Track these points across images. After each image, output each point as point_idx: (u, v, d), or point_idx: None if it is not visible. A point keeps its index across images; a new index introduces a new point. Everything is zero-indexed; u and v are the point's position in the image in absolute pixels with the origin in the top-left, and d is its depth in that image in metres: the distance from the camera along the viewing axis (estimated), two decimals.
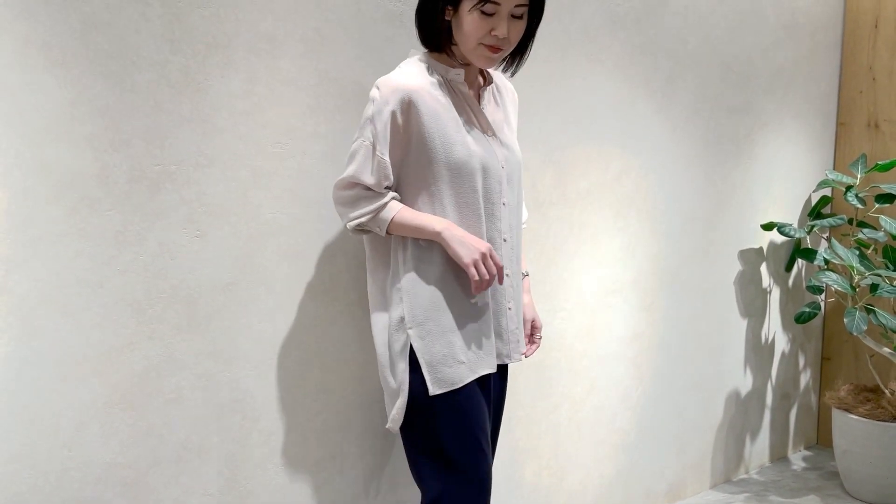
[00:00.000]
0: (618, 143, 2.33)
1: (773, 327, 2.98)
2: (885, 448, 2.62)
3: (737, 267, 2.79)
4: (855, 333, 2.50)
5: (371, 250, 1.65)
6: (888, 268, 2.71)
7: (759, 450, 3.00)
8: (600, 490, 2.45)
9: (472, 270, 1.53)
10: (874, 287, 2.55)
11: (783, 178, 2.91)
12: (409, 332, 1.57)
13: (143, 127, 1.50)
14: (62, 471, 1.47)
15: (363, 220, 1.56)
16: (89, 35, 1.43)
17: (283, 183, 1.69)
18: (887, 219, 2.65)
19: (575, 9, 2.16)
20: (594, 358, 2.37)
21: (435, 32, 1.58)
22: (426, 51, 1.63)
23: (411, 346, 1.57)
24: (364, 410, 1.87)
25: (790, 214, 2.95)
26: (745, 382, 2.89)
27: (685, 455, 2.71)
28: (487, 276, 1.54)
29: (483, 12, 1.49)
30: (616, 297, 2.40)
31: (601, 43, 2.24)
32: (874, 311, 2.56)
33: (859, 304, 2.62)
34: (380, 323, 1.63)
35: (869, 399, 2.75)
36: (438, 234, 1.54)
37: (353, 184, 1.56)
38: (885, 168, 2.70)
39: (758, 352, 2.93)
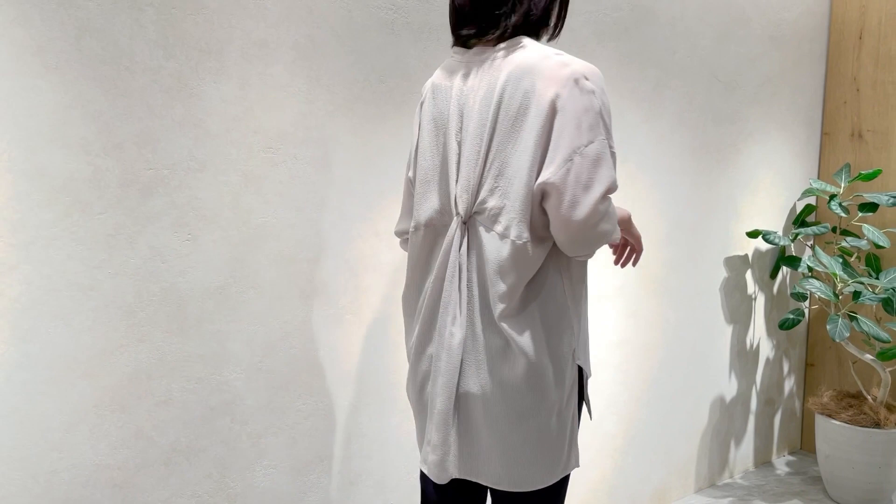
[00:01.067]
0: None
1: (758, 333, 3.01)
2: (867, 453, 2.66)
3: (722, 274, 2.82)
4: (837, 340, 2.54)
5: (526, 265, 1.31)
6: (871, 276, 2.75)
7: (743, 454, 3.03)
8: (587, 493, 2.47)
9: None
10: (856, 294, 2.59)
11: (768, 187, 2.94)
12: (579, 363, 1.39)
13: (135, 131, 1.52)
14: (51, 472, 1.48)
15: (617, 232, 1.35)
16: (83, 41, 1.44)
17: (273, 188, 1.70)
18: (870, 227, 2.69)
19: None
20: None
21: (566, 9, 1.44)
22: (537, 36, 1.40)
23: (580, 383, 1.40)
24: (351, 414, 1.89)
25: (775, 222, 2.99)
26: (730, 388, 2.92)
27: (670, 459, 2.74)
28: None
29: None
30: (604, 303, 2.43)
31: (590, 53, 2.27)
32: (857, 319, 2.60)
33: (842, 311, 2.66)
34: (543, 352, 1.33)
35: (851, 405, 2.79)
36: (629, 217, 1.54)
37: (612, 194, 1.30)
38: (868, 177, 2.75)
39: (743, 358, 2.96)
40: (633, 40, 2.38)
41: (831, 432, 2.73)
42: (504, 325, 1.31)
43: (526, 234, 1.29)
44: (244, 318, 1.70)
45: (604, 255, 2.40)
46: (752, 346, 2.99)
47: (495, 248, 1.31)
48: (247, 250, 1.68)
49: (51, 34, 1.40)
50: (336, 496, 1.88)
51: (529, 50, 1.31)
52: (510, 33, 1.34)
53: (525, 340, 1.31)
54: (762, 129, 2.87)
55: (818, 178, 3.13)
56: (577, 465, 1.42)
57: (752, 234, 2.82)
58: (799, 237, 2.85)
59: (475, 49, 1.38)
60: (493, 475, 1.36)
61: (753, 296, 2.96)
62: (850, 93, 3.01)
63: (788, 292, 3.08)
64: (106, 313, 1.52)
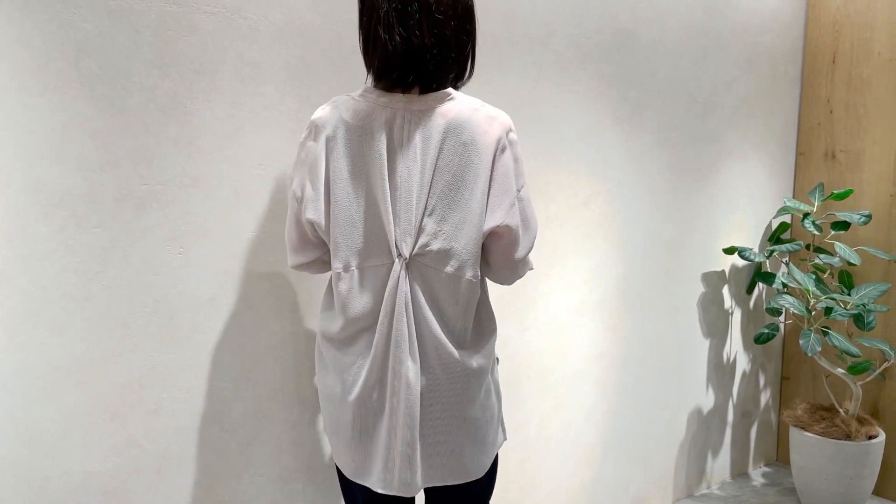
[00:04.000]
0: (587, 169, 2.43)
1: (735, 347, 3.09)
2: (839, 465, 2.73)
3: (700, 289, 2.90)
4: (809, 354, 2.62)
5: (476, 296, 1.48)
6: (843, 292, 2.84)
7: (720, 466, 3.10)
8: (565, 503, 2.53)
9: None
10: (828, 310, 2.68)
11: (745, 205, 3.02)
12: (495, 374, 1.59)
13: (131, 148, 1.57)
14: (44, 478, 1.52)
15: None
16: (82, 61, 1.49)
17: (263, 203, 1.76)
18: (842, 245, 2.78)
19: (547, 41, 2.26)
20: (562, 375, 2.46)
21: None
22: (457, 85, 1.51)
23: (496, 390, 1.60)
24: None
25: (751, 239, 3.07)
26: (707, 400, 2.99)
27: (649, 470, 2.80)
28: None
29: None
30: (583, 317, 2.49)
31: (572, 74, 2.34)
32: (829, 334, 2.68)
33: (814, 326, 2.74)
34: (488, 362, 1.52)
35: (824, 417, 2.86)
36: None
37: None
38: (841, 197, 2.84)
39: (719, 371, 3.03)
40: (614, 63, 2.46)
41: (804, 444, 2.81)
42: (460, 351, 1.46)
43: (478, 273, 1.45)
44: (234, 330, 1.74)
45: (582, 270, 2.47)
46: (728, 359, 3.06)
47: (447, 285, 1.43)
48: (237, 263, 1.73)
49: (50, 54, 1.46)
50: (322, 503, 1.93)
51: (459, 102, 1.43)
52: (434, 85, 1.41)
53: (478, 359, 1.49)
54: (739, 149, 2.95)
55: (793, 196, 3.22)
56: (506, 439, 1.67)
57: (729, 251, 2.90)
58: (774, 254, 2.93)
59: (399, 96, 1.41)
60: (464, 472, 1.52)
61: (730, 310, 3.04)
62: (823, 114, 3.11)
63: (764, 307, 3.16)
64: (100, 324, 1.56)
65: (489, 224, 1.42)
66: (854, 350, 2.62)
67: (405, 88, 1.42)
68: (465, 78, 1.49)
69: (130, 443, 1.62)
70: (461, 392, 1.47)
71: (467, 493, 1.59)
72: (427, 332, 1.43)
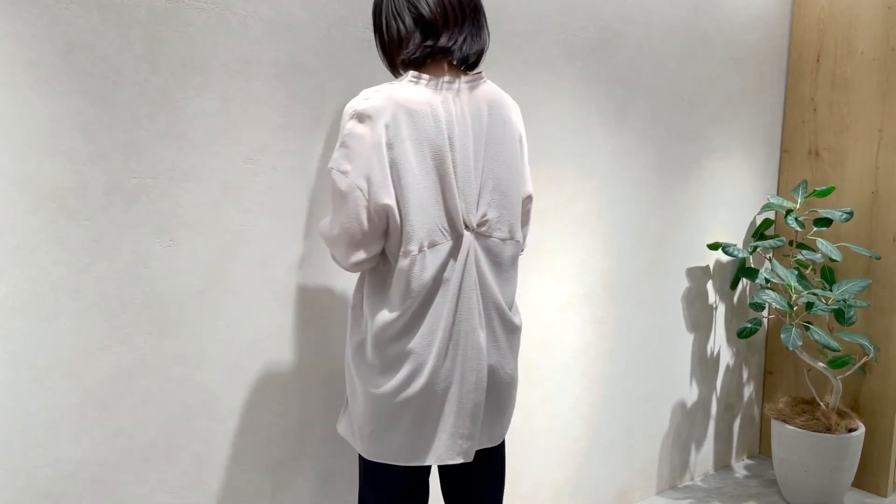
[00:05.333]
0: (573, 166, 2.46)
1: (719, 341, 3.13)
2: (819, 457, 2.78)
3: (684, 284, 2.94)
4: (790, 349, 2.66)
5: (517, 254, 1.63)
6: (824, 288, 2.88)
7: (703, 458, 3.15)
8: (551, 495, 2.57)
9: None
10: (810, 305, 2.72)
11: (729, 202, 3.06)
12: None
13: (121, 142, 1.59)
14: (34, 467, 1.54)
15: None
16: (73, 55, 1.51)
17: (253, 197, 1.78)
18: (824, 241, 2.82)
19: (534, 38, 2.29)
20: (548, 368, 2.49)
21: None
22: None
23: None
24: (325, 414, 1.96)
25: (735, 235, 3.11)
26: (691, 394, 3.04)
27: (633, 462, 2.84)
28: None
29: None
30: (569, 310, 2.53)
31: (558, 71, 2.37)
32: (810, 328, 2.73)
33: (796, 321, 2.78)
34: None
35: (805, 411, 2.91)
36: None
37: None
38: (823, 194, 2.88)
39: (703, 364, 3.07)
40: (599, 60, 2.48)
41: (786, 437, 2.86)
42: (510, 314, 1.60)
43: (521, 235, 1.63)
44: (223, 321, 1.77)
45: (568, 265, 2.51)
46: (712, 353, 3.11)
47: (500, 251, 1.56)
48: (226, 256, 1.76)
49: (41, 49, 1.47)
50: (309, 493, 1.95)
51: (490, 84, 1.58)
52: (475, 64, 1.55)
53: (517, 319, 1.64)
54: (724, 146, 2.99)
55: (777, 193, 3.27)
56: None
57: (713, 247, 2.94)
58: (757, 250, 2.97)
59: (444, 78, 1.49)
60: (502, 433, 1.67)
61: (714, 305, 3.08)
62: (807, 112, 3.16)
63: (747, 302, 3.20)
64: (89, 315, 1.58)
65: (525, 191, 1.64)
66: (834, 345, 2.67)
67: (450, 66, 1.52)
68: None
69: (119, 432, 1.65)
70: (512, 354, 1.62)
71: (497, 455, 1.72)
72: (491, 299, 1.56)
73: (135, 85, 1.59)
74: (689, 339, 2.99)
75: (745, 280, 3.17)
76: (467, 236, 1.49)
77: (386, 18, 1.52)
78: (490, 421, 1.61)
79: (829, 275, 2.95)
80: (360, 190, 1.43)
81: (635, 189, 2.68)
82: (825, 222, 2.87)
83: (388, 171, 1.43)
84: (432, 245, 1.47)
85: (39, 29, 1.47)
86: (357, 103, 1.45)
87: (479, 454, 1.66)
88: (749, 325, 2.94)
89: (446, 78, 1.49)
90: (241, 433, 1.82)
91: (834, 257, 2.78)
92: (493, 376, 1.58)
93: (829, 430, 2.79)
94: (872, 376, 2.98)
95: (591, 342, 2.62)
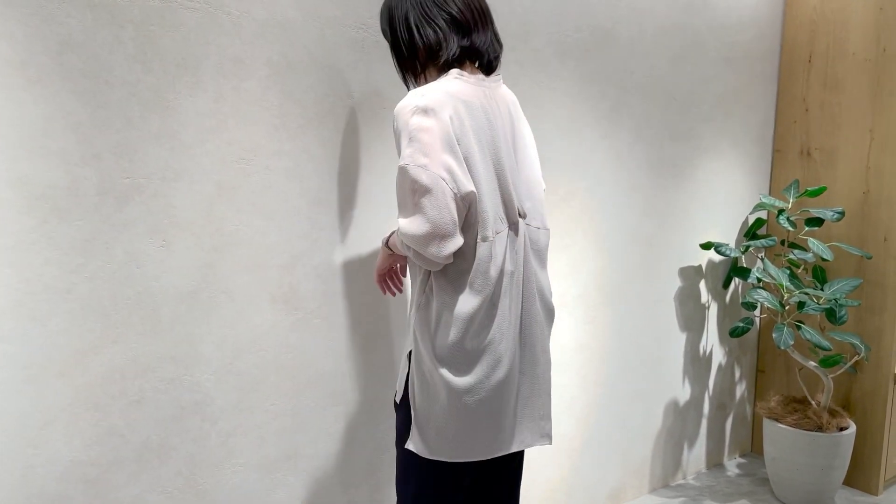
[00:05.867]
0: (566, 166, 2.47)
1: (711, 340, 3.15)
2: (811, 455, 2.80)
3: (677, 283, 2.95)
4: (782, 348, 2.67)
5: (548, 241, 1.71)
6: (816, 287, 2.90)
7: (696, 457, 3.16)
8: (545, 493, 2.57)
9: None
10: (801, 305, 2.74)
11: (721, 201, 3.08)
12: None
13: (113, 142, 1.58)
14: (26, 467, 1.54)
15: None
16: (65, 55, 1.51)
17: (246, 197, 1.78)
18: (815, 241, 2.84)
19: (527, 39, 2.30)
20: None
21: None
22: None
23: None
24: (318, 414, 1.96)
25: (727, 235, 3.13)
26: (683, 392, 3.05)
27: (626, 461, 2.85)
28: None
29: None
30: (562, 310, 2.53)
31: (551, 72, 2.38)
32: (801, 328, 2.74)
33: (787, 320, 2.80)
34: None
35: (797, 409, 2.93)
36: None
37: None
38: (814, 194, 2.90)
39: (696, 364, 3.09)
40: (593, 60, 2.49)
41: (777, 435, 2.87)
42: (548, 299, 1.68)
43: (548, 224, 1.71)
44: (215, 322, 1.77)
45: (561, 265, 2.52)
46: (705, 352, 3.12)
47: (538, 238, 1.64)
48: (219, 256, 1.76)
49: (33, 49, 1.47)
50: (302, 493, 1.96)
51: (505, 86, 1.68)
52: (488, 64, 1.62)
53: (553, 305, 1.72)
54: (716, 146, 3.00)
55: (769, 193, 3.28)
56: None
57: (706, 246, 2.96)
58: (749, 249, 2.99)
59: (479, 76, 1.58)
60: (550, 423, 1.71)
61: (706, 305, 3.10)
62: (799, 113, 3.17)
63: (739, 302, 3.21)
64: (82, 315, 1.58)
65: (542, 185, 1.71)
66: (826, 344, 2.68)
67: (482, 64, 1.60)
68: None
69: (112, 432, 1.64)
70: (548, 338, 1.70)
71: (518, 455, 1.75)
72: (538, 284, 1.64)
73: (127, 85, 1.59)
74: (681, 338, 3.01)
75: (737, 279, 3.19)
76: (522, 224, 1.57)
77: (415, 24, 1.54)
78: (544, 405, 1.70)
79: (820, 274, 2.97)
80: (444, 180, 1.43)
81: (628, 189, 2.69)
82: (817, 222, 2.89)
83: (462, 160, 1.46)
84: (497, 232, 1.53)
85: (32, 29, 1.47)
86: (415, 100, 1.46)
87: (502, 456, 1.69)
88: (741, 325, 2.95)
89: (480, 76, 1.58)
90: (234, 433, 1.83)
91: (825, 257, 2.80)
92: (545, 364, 1.68)
93: (820, 428, 2.81)
94: (863, 375, 3.00)
95: (584, 342, 2.63)
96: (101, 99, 1.56)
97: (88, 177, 1.56)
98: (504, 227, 1.55)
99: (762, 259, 2.99)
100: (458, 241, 1.47)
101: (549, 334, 1.71)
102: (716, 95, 2.96)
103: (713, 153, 2.99)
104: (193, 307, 1.73)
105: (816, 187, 2.92)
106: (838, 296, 2.75)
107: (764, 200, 2.96)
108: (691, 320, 3.04)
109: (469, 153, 1.47)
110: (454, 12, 1.54)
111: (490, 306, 1.53)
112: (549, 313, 1.69)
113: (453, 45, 1.54)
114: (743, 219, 3.19)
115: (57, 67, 1.50)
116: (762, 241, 2.94)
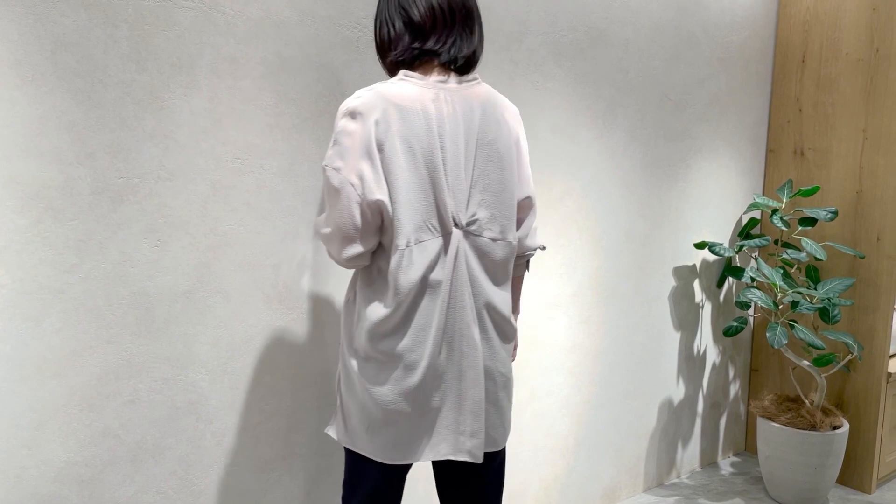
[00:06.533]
0: (561, 165, 2.47)
1: (705, 340, 3.16)
2: (804, 454, 2.81)
3: (671, 283, 2.96)
4: (776, 347, 2.69)
5: (512, 260, 1.64)
6: (809, 286, 2.91)
7: (690, 455, 3.17)
8: (539, 492, 2.58)
9: None
10: (795, 304, 2.75)
11: (715, 201, 3.09)
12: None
13: (107, 141, 1.58)
14: (20, 469, 1.54)
15: None
16: (59, 55, 1.50)
17: (240, 196, 1.78)
18: (808, 241, 2.85)
19: (522, 39, 2.30)
20: (536, 367, 2.50)
21: None
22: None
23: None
24: (313, 414, 1.96)
25: (721, 235, 3.14)
26: (677, 391, 3.06)
27: (620, 460, 2.86)
28: None
29: None
30: (557, 309, 2.54)
31: (546, 72, 2.38)
32: (795, 327, 2.76)
33: (781, 319, 2.81)
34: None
35: (790, 408, 2.94)
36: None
37: None
38: (808, 193, 2.91)
39: (690, 363, 3.10)
40: (587, 60, 2.50)
41: (771, 434, 2.88)
42: (504, 313, 1.60)
43: (515, 236, 1.61)
44: (210, 322, 1.76)
45: (556, 264, 2.52)
46: (699, 351, 3.13)
47: (490, 250, 1.56)
48: (214, 256, 1.75)
49: (28, 48, 1.47)
50: (297, 493, 1.96)
51: (485, 86, 1.59)
52: (455, 65, 1.53)
53: (513, 319, 1.64)
54: (710, 145, 3.01)
55: (762, 193, 3.29)
56: None
57: (700, 246, 2.97)
58: (743, 249, 3.00)
59: (433, 76, 1.51)
60: (504, 438, 1.65)
61: (701, 304, 3.11)
62: (793, 113, 3.18)
63: (733, 301, 3.23)
64: (76, 316, 1.58)
65: (521, 194, 1.62)
66: (819, 343, 2.70)
67: (441, 67, 1.52)
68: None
69: (106, 433, 1.64)
70: (507, 354, 1.63)
71: (498, 460, 1.70)
72: (483, 298, 1.56)
73: (121, 84, 1.58)
74: (675, 337, 3.01)
75: (731, 279, 3.20)
76: (456, 233, 1.50)
77: (380, 22, 1.56)
78: (492, 422, 1.60)
79: (813, 274, 2.98)
80: (353, 186, 1.44)
81: (623, 189, 2.69)
82: (810, 222, 2.90)
83: (379, 166, 1.44)
84: (419, 241, 1.48)
85: (25, 28, 1.46)
86: (349, 101, 1.47)
87: (486, 458, 1.65)
88: (735, 324, 2.96)
89: (438, 77, 1.51)
90: (229, 433, 1.82)
91: (819, 256, 2.81)
92: (491, 377, 1.58)
93: (813, 427, 2.82)
94: (856, 374, 3.01)
95: (578, 341, 2.63)
96: (96, 98, 1.55)
97: (83, 176, 1.56)
98: (431, 237, 1.49)
99: (756, 258, 3.00)
100: (358, 247, 1.49)
101: (502, 353, 1.60)
102: (710, 95, 2.97)
103: (707, 153, 3.00)
104: (188, 307, 1.73)
105: (810, 187, 2.93)
106: (831, 295, 2.76)
107: (758, 200, 2.97)
108: (685, 319, 3.04)
109: (391, 159, 1.44)
110: (413, 14, 1.50)
111: (405, 314, 1.49)
112: (500, 330, 1.59)
113: (401, 47, 1.52)
114: (737, 218, 3.20)
115: (51, 67, 1.49)
116: (756, 240, 2.95)
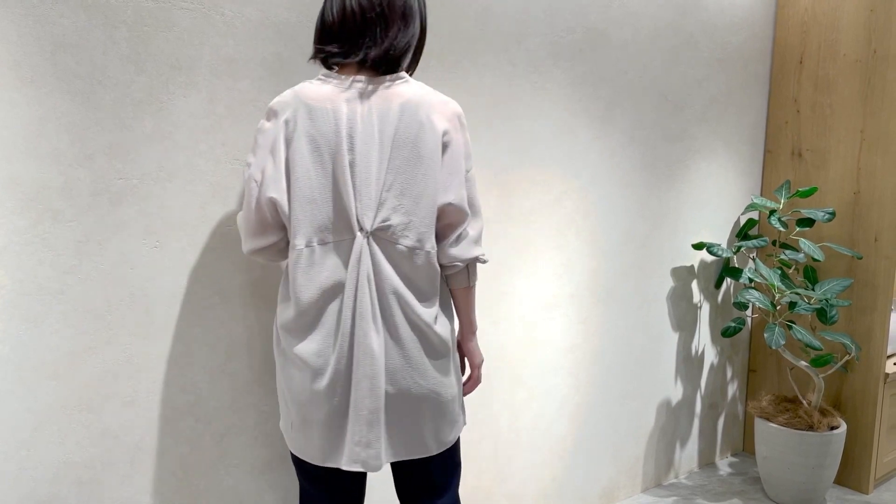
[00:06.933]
0: (559, 166, 2.47)
1: (703, 340, 3.16)
2: (802, 455, 2.81)
3: (669, 283, 2.96)
4: (774, 347, 2.69)
5: (434, 268, 1.54)
6: (807, 287, 2.92)
7: (688, 456, 3.18)
8: (537, 493, 2.58)
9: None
10: (793, 305, 2.75)
11: (713, 202, 3.09)
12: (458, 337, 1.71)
13: (107, 143, 1.58)
14: (19, 469, 1.54)
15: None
16: (58, 56, 1.50)
17: (240, 197, 1.78)
18: (806, 241, 2.85)
19: (521, 40, 2.30)
20: (534, 368, 2.51)
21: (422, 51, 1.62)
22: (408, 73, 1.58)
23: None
24: None
25: (719, 235, 3.14)
26: (675, 392, 3.07)
27: (618, 460, 2.87)
28: None
29: None
30: (555, 310, 2.54)
31: (545, 72, 2.38)
32: (793, 327, 2.76)
33: (779, 320, 2.82)
34: (449, 336, 1.59)
35: (788, 409, 2.94)
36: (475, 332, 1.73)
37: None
38: (806, 194, 2.91)
39: (688, 363, 3.10)
40: (586, 61, 2.50)
41: (769, 435, 2.89)
42: (424, 325, 1.52)
43: (434, 245, 1.52)
44: (209, 323, 1.77)
45: (554, 264, 2.52)
46: (697, 352, 3.14)
47: (406, 259, 1.49)
48: (213, 257, 1.76)
49: (27, 49, 1.47)
50: (295, 494, 1.96)
51: (412, 85, 1.52)
52: (386, 65, 1.50)
53: (446, 333, 1.57)
54: (709, 146, 3.02)
55: (760, 194, 3.30)
56: (465, 423, 1.70)
57: (698, 246, 2.97)
58: (741, 250, 3.00)
59: (356, 77, 1.49)
60: (427, 446, 1.59)
61: (699, 304, 3.11)
62: (791, 114, 3.19)
63: (731, 302, 3.23)
64: (75, 316, 1.58)
65: (442, 200, 1.50)
66: (817, 343, 2.70)
67: (360, 66, 1.50)
68: (414, 66, 1.60)
69: (105, 434, 1.64)
70: (428, 365, 1.54)
71: (427, 469, 1.65)
72: (396, 305, 1.49)
73: (120, 85, 1.59)
74: (673, 338, 3.02)
75: (729, 279, 3.20)
76: (359, 238, 1.47)
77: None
78: (404, 432, 1.54)
79: (811, 274, 2.98)
80: (255, 182, 1.48)
81: (621, 189, 2.70)
82: (808, 222, 2.91)
83: (282, 164, 1.47)
84: (323, 242, 1.48)
85: (25, 29, 1.46)
86: (273, 100, 1.53)
87: (407, 465, 1.65)
88: (733, 325, 2.97)
89: (357, 77, 1.49)
90: (227, 434, 1.82)
91: (816, 257, 2.81)
92: (400, 387, 1.51)
93: (811, 427, 2.82)
94: (854, 374, 3.02)
95: (577, 341, 2.64)
96: (95, 99, 1.56)
97: (82, 177, 1.56)
98: (338, 239, 1.49)
99: (754, 259, 3.01)
100: (257, 242, 1.53)
101: (427, 367, 1.53)
102: (708, 96, 2.97)
103: (706, 153, 3.01)
104: (187, 308, 1.73)
105: (808, 188, 2.93)
106: (829, 296, 2.76)
107: (756, 201, 2.97)
108: (683, 320, 3.05)
109: (295, 158, 1.46)
110: (327, 17, 1.51)
111: (314, 317, 1.50)
112: (423, 343, 1.53)
113: (314, 49, 1.54)
114: (735, 219, 3.20)
115: (50, 68, 1.49)
116: (754, 241, 2.95)
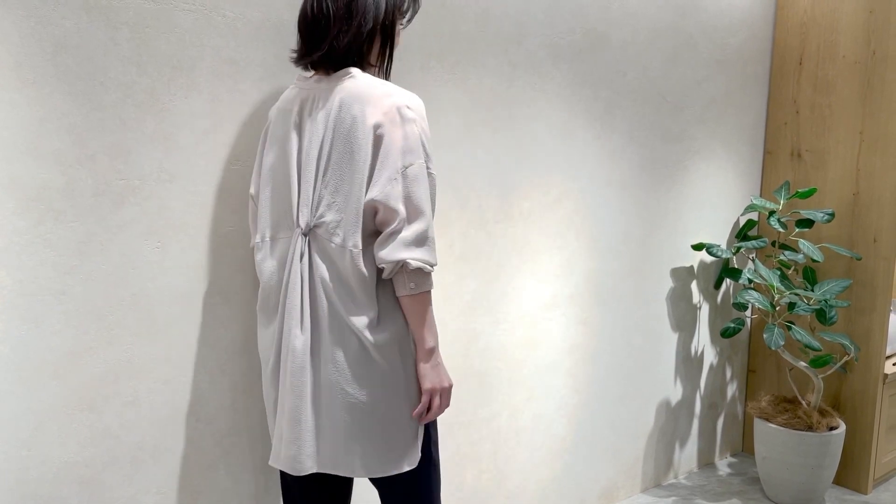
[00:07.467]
0: (559, 167, 2.48)
1: (703, 341, 3.17)
2: (801, 455, 2.82)
3: (669, 284, 2.97)
4: (773, 348, 2.70)
5: (364, 269, 1.47)
6: (806, 288, 2.92)
7: (687, 456, 3.18)
8: (537, 493, 2.59)
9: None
10: (792, 305, 2.76)
11: (713, 202, 3.10)
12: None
13: (108, 143, 1.58)
14: (20, 469, 1.54)
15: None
16: (59, 57, 1.51)
17: (240, 198, 1.78)
18: (806, 242, 2.86)
19: (521, 41, 2.31)
20: (533, 368, 2.51)
21: (391, 47, 1.58)
22: (362, 69, 1.54)
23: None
24: None
25: (719, 236, 3.15)
26: (675, 392, 3.07)
27: (618, 460, 2.87)
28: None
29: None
30: (555, 311, 2.55)
31: (544, 73, 2.39)
32: (792, 328, 2.77)
33: (778, 320, 2.82)
34: (390, 344, 1.50)
35: (787, 409, 2.95)
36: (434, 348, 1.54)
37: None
38: (805, 195, 2.92)
39: (688, 364, 3.11)
40: (586, 62, 2.51)
41: (768, 435, 2.89)
42: (355, 326, 1.46)
43: (360, 244, 1.45)
44: (210, 323, 1.77)
45: (554, 265, 2.53)
46: (696, 352, 3.14)
47: (337, 257, 1.47)
48: (213, 257, 1.76)
49: (28, 50, 1.47)
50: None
51: (358, 80, 1.50)
52: (333, 63, 1.53)
53: (376, 337, 1.47)
54: (708, 147, 3.02)
55: (760, 194, 3.30)
56: (417, 460, 1.54)
57: (698, 247, 2.98)
58: (741, 250, 3.01)
59: (314, 77, 1.57)
60: (352, 466, 1.50)
61: (698, 305, 3.12)
62: (790, 114, 3.19)
63: (731, 302, 3.24)
64: (76, 317, 1.58)
65: (367, 196, 1.44)
66: (816, 344, 2.71)
67: (316, 65, 1.56)
68: (369, 65, 1.57)
69: (107, 434, 1.65)
70: (361, 374, 1.47)
71: (394, 488, 1.60)
72: (326, 305, 1.48)
73: (122, 86, 1.59)
74: (673, 338, 3.02)
75: (728, 280, 3.21)
76: (295, 235, 1.51)
77: None
78: (334, 442, 1.49)
79: (810, 275, 2.99)
80: (252, 181, 1.69)
81: (620, 190, 2.70)
82: (807, 223, 2.91)
83: (259, 164, 1.65)
84: (275, 238, 1.58)
85: (26, 30, 1.46)
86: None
87: (334, 480, 1.68)
88: (732, 325, 2.97)
89: (316, 77, 1.57)
90: (228, 434, 1.83)
91: (816, 258, 2.82)
92: (328, 392, 1.47)
93: (810, 428, 2.83)
94: (853, 375, 3.02)
95: (576, 342, 2.64)
96: (96, 100, 1.56)
97: (83, 178, 1.56)
98: (285, 236, 1.55)
99: (753, 260, 3.02)
100: (253, 238, 1.67)
101: (356, 372, 1.46)
102: (708, 97, 2.97)
103: (705, 154, 3.01)
104: (188, 309, 1.73)
105: (807, 189, 2.94)
106: (828, 296, 2.77)
107: (755, 202, 2.98)
108: (683, 321, 3.05)
109: (264, 160, 1.61)
110: (299, 23, 1.58)
111: (264, 310, 1.61)
112: (359, 345, 1.46)
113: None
114: (734, 220, 3.21)
115: (52, 69, 1.50)
116: (753, 242, 2.96)
